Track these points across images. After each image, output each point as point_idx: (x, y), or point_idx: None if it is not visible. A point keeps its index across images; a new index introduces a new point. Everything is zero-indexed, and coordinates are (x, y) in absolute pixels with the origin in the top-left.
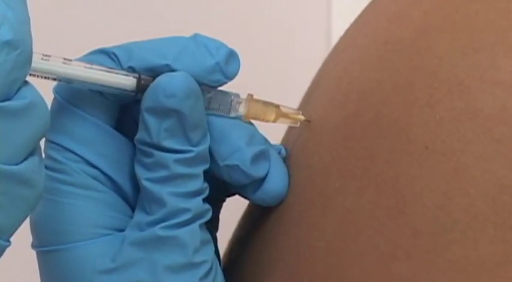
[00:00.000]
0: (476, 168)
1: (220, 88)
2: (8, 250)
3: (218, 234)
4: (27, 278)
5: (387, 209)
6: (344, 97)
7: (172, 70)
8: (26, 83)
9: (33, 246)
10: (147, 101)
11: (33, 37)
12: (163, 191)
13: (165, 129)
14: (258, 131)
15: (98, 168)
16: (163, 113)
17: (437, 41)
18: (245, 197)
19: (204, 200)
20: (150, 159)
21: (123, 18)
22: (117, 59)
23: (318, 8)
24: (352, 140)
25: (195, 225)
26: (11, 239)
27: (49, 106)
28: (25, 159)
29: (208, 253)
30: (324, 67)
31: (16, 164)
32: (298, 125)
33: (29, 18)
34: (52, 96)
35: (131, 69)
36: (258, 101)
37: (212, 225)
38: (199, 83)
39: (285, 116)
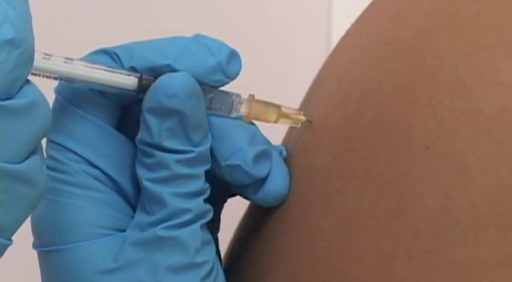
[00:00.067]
0: (477, 169)
1: (221, 88)
2: (9, 250)
3: (219, 235)
4: (28, 278)
5: (388, 210)
6: (345, 97)
7: (174, 70)
8: (27, 81)
9: (34, 246)
10: (148, 101)
11: (34, 36)
12: (164, 191)
13: (166, 130)
14: (259, 131)
15: (99, 168)
16: (164, 113)
17: (438, 42)
18: (246, 198)
19: (205, 201)
20: (151, 159)
21: (124, 18)
22: (119, 59)
23: (318, 8)
24: (353, 140)
25: (196, 226)
26: (13, 239)
27: (50, 105)
28: (27, 158)
29: (209, 253)
30: (324, 67)
31: (18, 163)
32: (299, 125)
33: (30, 16)
34: (53, 95)
35: (133, 69)
36: (259, 101)
37: (213, 226)
38: (201, 83)
39: (286, 116)
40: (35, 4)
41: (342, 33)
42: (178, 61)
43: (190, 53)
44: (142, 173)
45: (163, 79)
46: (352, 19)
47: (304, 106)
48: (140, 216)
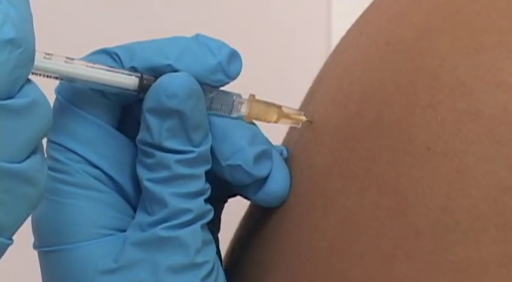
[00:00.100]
0: (478, 169)
1: (221, 88)
2: (10, 250)
3: (220, 235)
4: (29, 278)
5: (389, 210)
6: (346, 97)
7: (175, 70)
8: (28, 81)
9: (35, 246)
10: (148, 101)
11: (35, 36)
12: (164, 191)
13: (166, 130)
14: (260, 131)
15: (100, 168)
16: (164, 113)
17: (438, 42)
18: (247, 198)
19: (206, 201)
20: (152, 159)
21: (124, 18)
22: (119, 59)
23: (318, 8)
24: (353, 140)
25: (197, 226)
26: (13, 238)
27: (51, 105)
28: (27, 157)
29: (210, 253)
30: (325, 67)
31: (18, 162)
32: (299, 125)
33: (31, 16)
34: (54, 95)
35: (133, 69)
36: (259, 101)
37: (214, 226)
38: (201, 83)
39: (287, 116)
40: (36, 4)
41: (342, 33)
42: (179, 61)
43: (191, 53)
44: (142, 173)
45: (163, 79)
46: (352, 19)
47: (305, 106)
48: (141, 217)
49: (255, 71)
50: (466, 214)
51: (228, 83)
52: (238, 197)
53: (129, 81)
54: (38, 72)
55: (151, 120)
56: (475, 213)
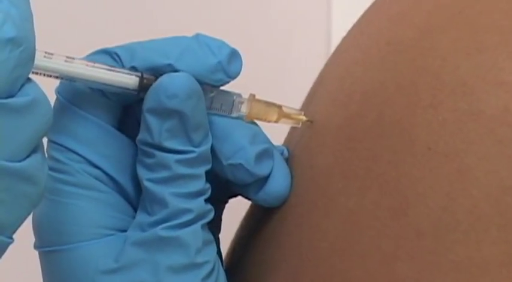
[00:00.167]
0: (479, 169)
1: (221, 88)
2: (11, 250)
3: (220, 235)
4: (30, 279)
5: (390, 210)
6: (347, 98)
7: (175, 70)
8: (28, 80)
9: (36, 246)
10: (148, 101)
11: (36, 35)
12: (165, 191)
13: (166, 130)
14: (261, 130)
15: (100, 168)
16: (165, 113)
17: (440, 42)
18: (247, 198)
19: (206, 201)
20: (152, 159)
21: (125, 18)
22: (120, 59)
23: (318, 8)
24: (354, 140)
25: (197, 226)
26: (14, 237)
27: (51, 104)
28: (28, 156)
29: (210, 254)
30: (326, 68)
31: (19, 161)
32: (300, 125)
33: (32, 15)
34: (54, 94)
35: (134, 69)
36: (260, 101)
37: (214, 226)
38: (202, 83)
39: (287, 116)
40: (36, 3)
41: (342, 33)
42: (179, 61)
43: (191, 52)
44: (143, 173)
45: (163, 79)
46: (352, 19)
47: (306, 106)
48: (141, 217)
49: (255, 71)
50: (467, 214)
51: (228, 82)
52: (239, 197)
53: (130, 80)
54: (39, 71)
55: (151, 120)
56: (476, 213)
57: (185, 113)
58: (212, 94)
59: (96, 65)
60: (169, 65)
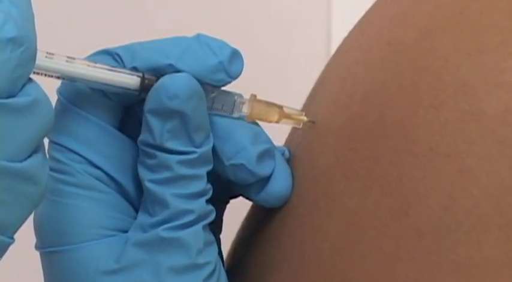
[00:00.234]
0: (480, 169)
1: (223, 88)
2: (12, 251)
3: (221, 236)
4: (31, 279)
5: (391, 210)
6: (348, 98)
7: (176, 70)
8: (30, 80)
9: (37, 247)
10: (149, 102)
11: (37, 35)
12: (166, 192)
13: (168, 131)
14: (262, 130)
15: (101, 169)
16: (166, 114)
17: (441, 42)
18: (248, 199)
19: (208, 201)
20: (153, 160)
21: (125, 18)
22: (121, 59)
23: (318, 8)
24: (356, 140)
25: (199, 227)
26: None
27: (53, 104)
28: (29, 156)
29: (211, 254)
30: (327, 68)
31: (20, 161)
32: (300, 126)
33: (33, 15)
34: (55, 94)
35: (135, 70)
36: (261, 101)
37: (216, 227)
38: (203, 83)
39: (288, 116)
40: (37, 3)
41: (342, 33)
42: (180, 61)
43: (192, 52)
44: (144, 174)
45: (164, 80)
46: (352, 19)
47: (307, 107)
48: (142, 217)
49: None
50: (468, 214)
51: (229, 82)
52: (240, 198)
53: (131, 80)
54: (40, 71)
55: (152, 121)
56: (477, 213)
57: (186, 114)
58: (213, 94)
59: (97, 65)
60: (170, 65)
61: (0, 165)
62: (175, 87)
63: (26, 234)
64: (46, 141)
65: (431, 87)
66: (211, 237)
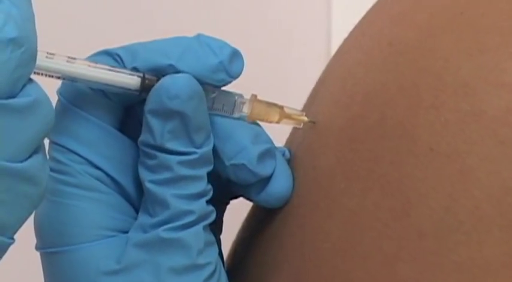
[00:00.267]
0: (481, 170)
1: (223, 89)
2: (12, 251)
3: (222, 237)
4: (31, 280)
5: (392, 211)
6: (349, 99)
7: (176, 70)
8: (30, 80)
9: (37, 247)
10: (150, 102)
11: (37, 35)
12: (166, 193)
13: (168, 131)
14: (263, 130)
15: (102, 169)
16: (166, 114)
17: (442, 43)
18: (249, 199)
19: (208, 202)
20: (154, 161)
21: (125, 19)
22: (121, 60)
23: (318, 8)
24: (357, 141)
25: (199, 227)
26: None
27: (53, 105)
28: (29, 157)
29: (212, 255)
30: (328, 68)
31: (20, 162)
32: (301, 126)
33: (33, 15)
34: (56, 94)
35: (135, 70)
36: (261, 101)
37: (216, 228)
38: (204, 83)
39: (289, 117)
40: (38, 3)
41: (342, 33)
42: (181, 61)
43: (193, 52)
44: (144, 174)
45: (165, 80)
46: (352, 19)
47: (308, 107)
48: (143, 218)
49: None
50: (469, 215)
51: (230, 82)
52: (240, 199)
53: (131, 81)
54: (40, 71)
55: (153, 121)
56: (478, 214)
57: (187, 114)
58: (214, 95)
59: (98, 65)
60: (171, 65)
61: (1, 165)
62: (176, 87)
63: (26, 235)
64: (46, 141)
65: (432, 88)
66: (212, 237)
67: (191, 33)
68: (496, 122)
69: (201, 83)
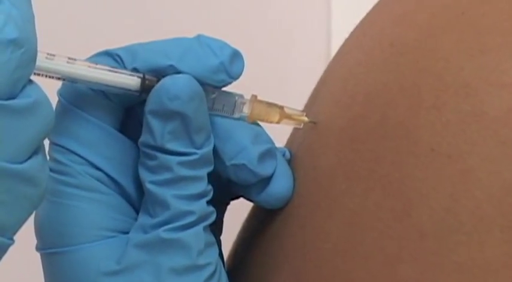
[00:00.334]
0: (482, 170)
1: (223, 89)
2: (12, 252)
3: (222, 237)
4: (31, 280)
5: (393, 211)
6: (350, 99)
7: (177, 70)
8: (30, 81)
9: (38, 248)
10: (150, 103)
11: (37, 36)
12: (167, 193)
13: (168, 132)
14: (263, 130)
15: (102, 170)
16: (167, 115)
17: (443, 43)
18: (249, 200)
19: (208, 203)
20: (154, 161)
21: (126, 20)
22: (121, 60)
23: (318, 8)
24: (358, 141)
25: (199, 228)
26: (15, 240)
27: (53, 105)
28: (29, 158)
29: (212, 255)
30: (329, 69)
31: (20, 163)
32: (301, 126)
33: (33, 16)
34: (56, 95)
35: (135, 71)
36: (261, 101)
37: (216, 228)
38: (204, 83)
39: (289, 117)
40: (38, 4)
41: (342, 33)
42: (181, 62)
43: (193, 53)
44: (145, 175)
45: (165, 81)
46: (352, 19)
47: (309, 107)
48: (143, 218)
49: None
50: (470, 215)
51: (230, 83)
52: (241, 199)
53: (131, 81)
54: (40, 72)
55: (153, 122)
56: (479, 214)
57: (187, 115)
58: (214, 95)
59: (98, 66)
60: (171, 66)
61: (0, 166)
62: (176, 88)
63: (26, 235)
64: (47, 142)
65: (433, 88)
66: (212, 238)
67: (191, 34)
68: (497, 122)
69: (202, 83)
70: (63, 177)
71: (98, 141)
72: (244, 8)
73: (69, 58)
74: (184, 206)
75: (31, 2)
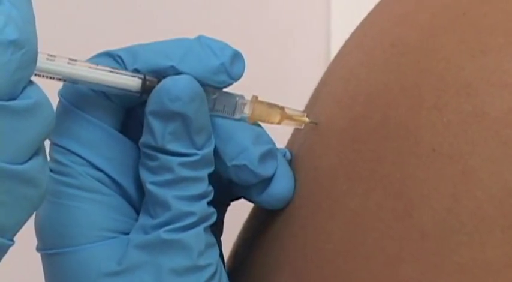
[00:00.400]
0: (483, 170)
1: (224, 90)
2: (13, 252)
3: (222, 238)
4: (32, 281)
5: (394, 211)
6: (351, 99)
7: (178, 71)
8: (31, 82)
9: (38, 249)
10: (151, 104)
11: (38, 37)
12: (168, 194)
13: (169, 133)
14: (264, 131)
15: (103, 171)
16: (167, 116)
17: (444, 43)
18: (250, 200)
19: (209, 203)
20: (155, 162)
21: (127, 20)
22: (122, 61)
23: (317, 8)
24: (359, 142)
25: (200, 229)
26: (16, 240)
27: (54, 106)
28: (29, 159)
29: (213, 256)
30: (330, 69)
31: (20, 164)
32: (302, 127)
33: (34, 17)
34: (56, 96)
35: (136, 72)
36: (262, 102)
37: (217, 229)
38: (205, 84)
39: (290, 117)
40: (39, 5)
41: (342, 33)
42: (182, 62)
43: (194, 54)
44: (146, 176)
45: (166, 82)
46: (352, 19)
47: (310, 108)
48: (144, 219)
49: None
50: (472, 216)
51: (231, 84)
52: (241, 200)
53: (132, 82)
54: (41, 73)
55: (154, 123)
56: (481, 214)
57: (188, 116)
58: (215, 96)
59: (99, 67)
60: (172, 67)
61: (1, 167)
62: (177, 89)
63: (27, 236)
64: (47, 143)
65: (434, 89)
66: (213, 239)
67: (192, 34)
68: (498, 123)
69: (202, 84)
70: (63, 178)
71: (98, 142)
72: (244, 8)
73: (69, 59)
74: (185, 206)
75: (31, 2)
